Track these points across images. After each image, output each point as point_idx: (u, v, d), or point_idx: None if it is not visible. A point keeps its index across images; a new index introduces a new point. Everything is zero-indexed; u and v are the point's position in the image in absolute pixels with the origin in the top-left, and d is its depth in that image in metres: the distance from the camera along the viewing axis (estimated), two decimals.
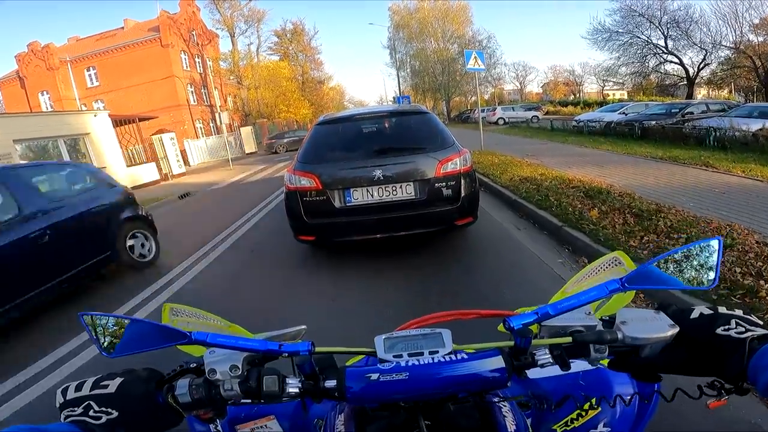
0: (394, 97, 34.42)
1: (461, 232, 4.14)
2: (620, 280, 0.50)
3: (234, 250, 4.76)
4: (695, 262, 0.49)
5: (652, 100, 23.10)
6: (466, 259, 3.59)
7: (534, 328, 0.53)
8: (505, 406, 0.60)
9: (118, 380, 0.50)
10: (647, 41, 24.36)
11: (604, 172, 6.27)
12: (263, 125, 29.76)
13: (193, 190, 10.80)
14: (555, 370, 0.56)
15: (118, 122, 14.18)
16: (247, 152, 25.61)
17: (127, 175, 13.52)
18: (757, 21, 21.66)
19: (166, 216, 8.00)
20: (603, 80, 51.00)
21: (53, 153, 11.46)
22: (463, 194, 3.41)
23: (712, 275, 0.48)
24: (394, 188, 3.37)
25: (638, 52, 25.07)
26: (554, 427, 0.72)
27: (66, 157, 11.63)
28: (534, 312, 0.52)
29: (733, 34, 22.13)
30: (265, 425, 0.78)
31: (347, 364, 0.57)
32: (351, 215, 3.39)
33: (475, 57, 8.58)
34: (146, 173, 14.46)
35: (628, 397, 0.59)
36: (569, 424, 0.72)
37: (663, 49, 24.24)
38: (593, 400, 0.71)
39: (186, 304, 0.78)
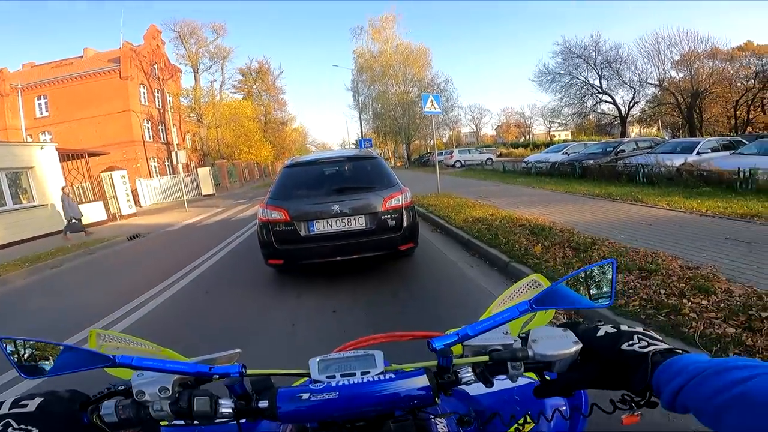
0: (356, 140, 35.23)
1: (418, 273, 4.38)
2: (529, 302, 0.54)
3: (187, 289, 4.61)
4: (595, 281, 0.55)
5: (592, 140, 24.45)
6: (423, 295, 3.74)
7: (459, 348, 0.56)
8: (441, 422, 0.62)
9: (38, 399, 0.50)
10: (585, 82, 26.58)
11: (548, 210, 6.79)
12: (222, 166, 29.22)
13: (144, 232, 10.33)
14: (494, 386, 0.59)
15: (66, 156, 13.52)
16: (204, 194, 24.79)
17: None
18: (677, 57, 24.14)
19: (113, 257, 7.62)
20: (549, 121, 54.49)
21: None
22: (405, 224, 4.15)
23: (608, 292, 0.55)
24: (349, 220, 4.09)
25: (578, 92, 27.18)
26: None
27: (6, 193, 10.83)
28: (455, 333, 0.55)
29: (657, 71, 24.66)
30: None
31: (294, 384, 0.60)
32: (314, 242, 4.08)
33: (432, 100, 9.21)
34: (93, 212, 13.66)
35: (562, 410, 0.62)
36: None
37: (598, 89, 26.47)
38: (528, 416, 0.73)
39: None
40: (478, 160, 24.86)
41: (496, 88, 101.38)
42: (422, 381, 0.53)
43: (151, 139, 30.41)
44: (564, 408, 0.66)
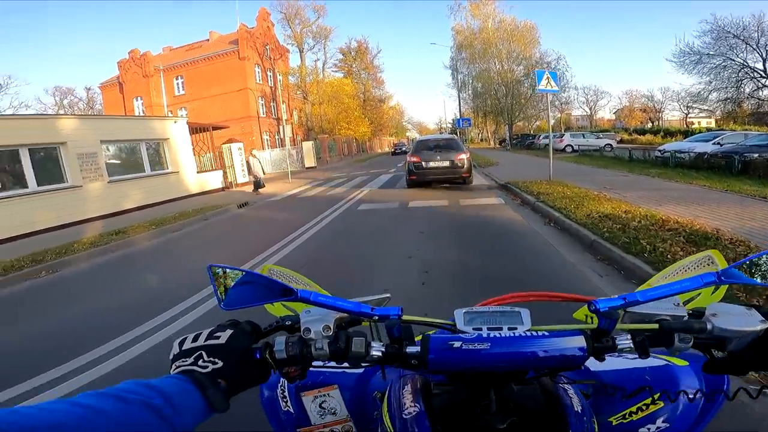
0: (453, 119, 33.99)
1: (532, 278, 3.72)
2: (716, 273, 0.50)
3: (285, 261, 4.61)
4: None
5: (746, 130, 20.93)
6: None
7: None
8: (570, 388, 0.60)
9: (229, 332, 0.54)
10: (743, 64, 22.01)
11: (704, 212, 5.34)
12: (324, 141, 30.65)
13: (251, 201, 11.12)
14: (620, 364, 0.65)
15: (194, 130, 15.21)
16: (306, 166, 26.31)
17: (196, 181, 14.39)
18: None
19: (224, 223, 8.25)
20: (687, 107, 46.95)
21: (137, 154, 12.44)
22: (465, 167, 10.00)
23: None
24: (443, 162, 10.11)
25: (732, 76, 22.65)
26: (610, 419, 0.70)
27: (145, 160, 12.58)
28: (621, 297, 0.52)
29: None
30: (328, 394, 0.80)
31: (416, 339, 0.57)
32: (427, 170, 10.18)
33: (548, 77, 7.98)
34: (213, 180, 15.27)
35: (693, 395, 0.60)
36: (627, 417, 0.70)
37: (761, 72, 21.74)
38: (656, 395, 0.69)
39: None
40: (594, 145, 21.67)
41: (617, 69, 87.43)
42: (579, 341, 0.51)
43: (264, 115, 33.14)
44: (696, 391, 0.62)
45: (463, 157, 9.89)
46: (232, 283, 0.56)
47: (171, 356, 0.54)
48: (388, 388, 0.68)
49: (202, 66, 31.96)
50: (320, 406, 0.80)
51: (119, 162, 12.12)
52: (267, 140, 32.69)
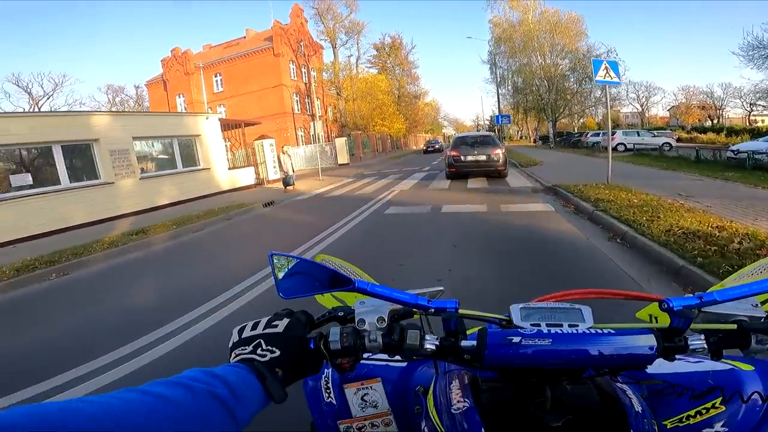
0: (491, 116, 32.42)
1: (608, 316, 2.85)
2: None
3: None
4: None
5: None
6: None
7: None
8: (628, 389, 0.58)
9: (286, 320, 0.55)
10: None
11: None
12: (357, 137, 30.14)
13: (279, 199, 10.74)
14: (681, 367, 0.61)
15: (227, 126, 15.12)
16: (339, 163, 25.93)
17: (227, 178, 14.28)
18: None
19: (246, 224, 7.85)
20: (750, 104, 43.37)
21: (169, 151, 12.43)
22: (501, 160, 10.87)
23: None
24: (480, 156, 11.01)
25: None
26: (665, 422, 0.67)
27: (177, 157, 12.54)
28: (697, 296, 0.50)
29: None
30: (371, 387, 0.80)
31: (468, 332, 0.56)
32: (466, 163, 11.16)
33: (606, 67, 6.84)
34: (244, 177, 15.13)
35: (756, 399, 0.59)
36: (683, 420, 0.67)
37: None
38: (718, 400, 0.65)
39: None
40: (650, 144, 19.61)
41: (672, 64, 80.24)
42: (649, 340, 0.49)
43: (299, 111, 33.19)
44: (760, 395, 0.60)
45: (499, 152, 10.93)
46: (290, 272, 0.56)
47: (230, 344, 0.54)
48: (433, 383, 0.68)
49: (239, 63, 32.41)
50: (362, 398, 0.80)
51: (151, 158, 12.16)
52: (302, 136, 32.71)
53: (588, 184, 7.74)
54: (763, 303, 0.63)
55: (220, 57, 33.85)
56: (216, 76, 33.77)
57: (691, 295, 0.50)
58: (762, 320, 0.50)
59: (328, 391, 0.81)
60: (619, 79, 7.09)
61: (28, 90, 36.16)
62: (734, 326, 0.49)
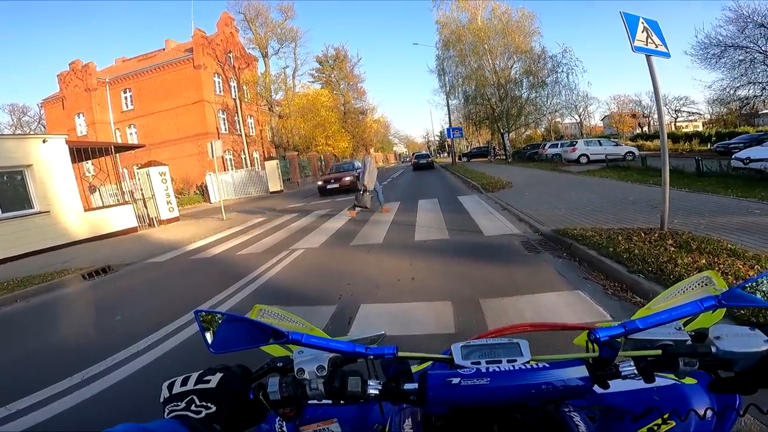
0: (441, 131, 30.34)
1: None
2: (717, 297, 0.50)
3: None
4: None
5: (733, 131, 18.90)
6: None
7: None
8: (576, 415, 0.59)
9: (219, 375, 0.53)
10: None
11: None
12: (293, 159, 26.34)
13: (131, 260, 6.84)
14: (627, 385, 0.60)
15: (84, 152, 10.88)
16: (271, 190, 21.96)
17: (84, 222, 10.04)
18: None
19: (24, 318, 3.85)
20: (675, 110, 45.95)
21: None
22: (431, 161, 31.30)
23: None
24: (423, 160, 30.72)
25: (748, 68, 19.72)
26: None
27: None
28: (621, 325, 0.51)
29: None
30: (327, 428, 0.78)
31: (414, 370, 0.57)
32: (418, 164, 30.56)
33: (647, 29, 3.84)
34: (118, 218, 10.96)
35: (703, 413, 0.60)
36: None
37: None
38: (666, 416, 0.66)
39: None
40: (614, 154, 17.79)
41: (604, 72, 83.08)
42: (581, 371, 0.51)
43: (227, 131, 28.86)
44: (710, 410, 0.62)
45: (431, 159, 25.66)
46: (220, 328, 0.55)
47: (161, 399, 0.53)
48: (389, 421, 0.68)
49: (153, 77, 27.77)
50: None
51: None
52: (230, 160, 28.40)
53: (628, 231, 4.42)
54: (686, 324, 0.63)
55: (130, 70, 28.94)
56: (125, 93, 28.78)
57: (617, 324, 0.51)
58: (686, 343, 0.51)
59: None
60: (666, 48, 4.13)
61: None
62: (659, 352, 0.51)
